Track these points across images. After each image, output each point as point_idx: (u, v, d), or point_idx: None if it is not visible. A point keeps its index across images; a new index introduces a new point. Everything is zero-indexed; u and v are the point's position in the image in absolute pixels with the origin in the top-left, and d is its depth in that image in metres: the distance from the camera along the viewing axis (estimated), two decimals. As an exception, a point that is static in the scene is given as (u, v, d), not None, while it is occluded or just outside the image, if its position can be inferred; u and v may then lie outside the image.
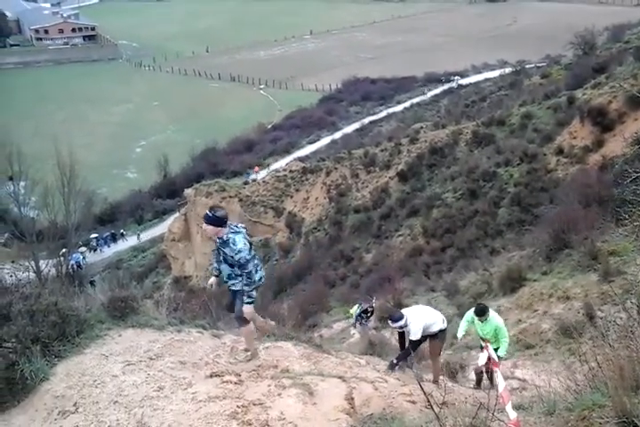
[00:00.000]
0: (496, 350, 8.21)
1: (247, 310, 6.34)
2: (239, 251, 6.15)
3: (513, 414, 4.07)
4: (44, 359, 6.01)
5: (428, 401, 4.27)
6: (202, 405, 5.32)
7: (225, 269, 6.39)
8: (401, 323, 7.41)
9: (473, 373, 8.99)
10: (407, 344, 7.69)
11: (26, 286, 8.64)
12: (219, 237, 6.25)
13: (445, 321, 7.91)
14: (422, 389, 4.28)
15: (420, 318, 7.55)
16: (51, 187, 29.02)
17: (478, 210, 27.42)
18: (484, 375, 8.57)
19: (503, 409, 4.78)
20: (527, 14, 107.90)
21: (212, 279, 6.69)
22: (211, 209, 6.22)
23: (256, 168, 50.86)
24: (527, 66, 64.83)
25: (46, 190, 28.89)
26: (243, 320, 6.47)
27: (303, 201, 38.56)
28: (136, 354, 6.33)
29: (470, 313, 8.54)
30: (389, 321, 7.55)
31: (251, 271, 6.28)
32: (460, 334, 8.83)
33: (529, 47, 78.19)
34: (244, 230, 6.43)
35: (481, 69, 75.79)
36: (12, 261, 20.67)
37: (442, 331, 7.79)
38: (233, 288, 6.50)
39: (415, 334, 7.44)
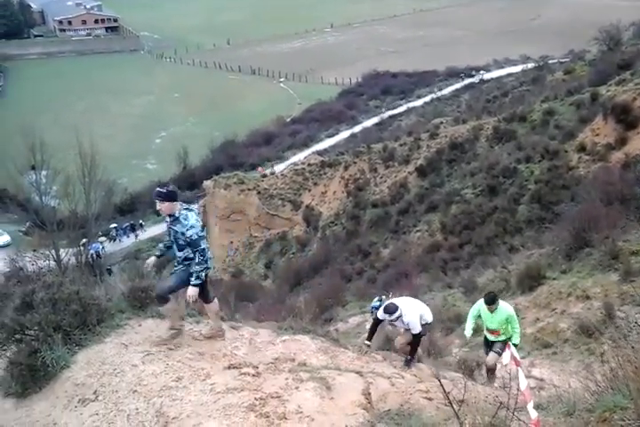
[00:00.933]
0: (506, 341, 8.08)
1: (192, 292, 6.14)
2: (191, 226, 6.04)
3: (534, 414, 4.03)
4: (66, 347, 6.10)
5: (447, 399, 4.25)
6: (220, 396, 5.35)
7: (175, 251, 6.24)
8: (397, 314, 7.23)
9: (485, 370, 8.84)
10: (411, 339, 7.52)
11: (47, 274, 8.78)
12: (170, 215, 6.13)
13: (431, 314, 7.80)
14: (442, 386, 4.26)
15: (415, 310, 7.44)
16: (72, 176, 29.34)
17: (498, 206, 27.19)
18: (488, 373, 8.43)
19: (523, 408, 4.74)
20: (551, 9, 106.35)
21: (151, 259, 6.51)
22: (162, 186, 6.19)
23: (260, 169, 50.71)
24: (550, 61, 64.02)
25: (67, 180, 29.22)
26: (160, 300, 6.32)
27: (321, 195, 38.55)
28: (155, 344, 6.39)
29: (475, 307, 8.31)
30: (385, 314, 7.28)
31: (204, 249, 6.11)
32: (468, 333, 8.48)
33: (552, 42, 77.12)
34: (195, 209, 6.40)
35: (503, 64, 75.05)
36: (34, 250, 20.91)
37: (427, 324, 7.66)
38: (180, 269, 6.31)
39: (416, 328, 7.31)
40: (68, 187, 28.71)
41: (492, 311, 7.99)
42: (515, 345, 8.00)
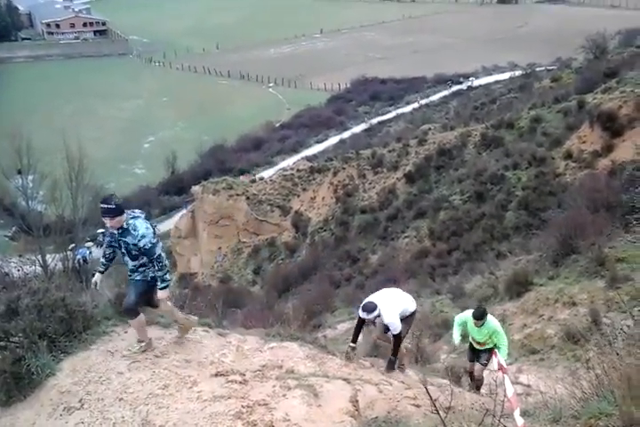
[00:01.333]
0: (491, 349, 8.01)
1: (163, 294, 6.10)
2: (142, 236, 5.82)
3: (520, 421, 4.05)
4: (51, 355, 6.03)
5: (434, 405, 4.25)
6: (207, 404, 5.33)
7: (128, 262, 6.00)
8: (375, 313, 6.89)
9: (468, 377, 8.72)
10: (392, 340, 7.19)
11: (33, 280, 8.69)
12: (119, 228, 5.86)
13: (414, 302, 7.49)
14: (428, 393, 4.27)
15: (395, 307, 7.08)
16: (59, 181, 29.05)
17: (485, 213, 27.38)
18: (472, 381, 8.42)
19: (509, 415, 4.76)
20: (538, 17, 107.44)
21: (97, 276, 6.19)
22: (106, 201, 5.79)
23: (242, 177, 50.52)
24: (537, 69, 64.66)
25: (54, 184, 28.92)
26: (131, 313, 6.09)
27: (310, 200, 38.58)
28: (144, 354, 6.34)
29: (462, 317, 8.21)
30: (362, 312, 6.95)
31: (160, 255, 5.93)
32: (457, 341, 8.39)
33: (539, 50, 77.84)
34: (142, 215, 6.15)
35: (491, 71, 75.62)
36: (20, 255, 20.70)
37: (412, 313, 7.40)
38: (135, 279, 6.11)
39: (397, 328, 6.97)
40: (55, 191, 28.42)
41: (478, 326, 7.91)
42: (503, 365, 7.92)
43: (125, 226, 5.81)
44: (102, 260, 6.23)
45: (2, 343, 6.04)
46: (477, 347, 8.24)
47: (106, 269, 6.24)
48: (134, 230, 5.81)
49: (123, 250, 5.96)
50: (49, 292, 6.75)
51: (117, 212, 5.78)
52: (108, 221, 5.77)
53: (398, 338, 7.10)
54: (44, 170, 30.76)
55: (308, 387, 5.80)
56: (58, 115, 71.49)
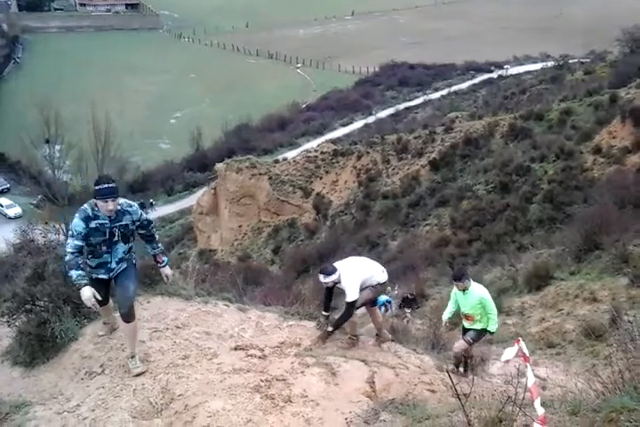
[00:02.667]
0: (483, 330, 7.66)
1: (168, 270, 5.89)
2: (137, 207, 5.51)
3: (541, 411, 4.01)
4: (74, 320, 6.15)
5: (455, 390, 4.24)
6: (226, 376, 5.38)
7: (120, 248, 5.40)
8: (333, 278, 6.38)
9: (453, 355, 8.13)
10: (345, 307, 6.69)
11: (58, 247, 8.81)
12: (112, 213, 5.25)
13: (385, 272, 6.93)
14: (450, 378, 4.26)
15: (356, 273, 6.55)
16: (85, 152, 29.45)
17: (509, 204, 27.09)
18: (463, 359, 8.04)
19: (529, 405, 4.73)
20: (575, 6, 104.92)
21: (88, 292, 5.04)
22: (105, 180, 5.12)
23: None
24: (570, 60, 63.30)
25: (81, 155, 29.34)
26: (130, 315, 5.46)
27: (332, 183, 38.48)
28: (163, 322, 6.41)
29: (453, 290, 7.72)
30: (320, 275, 6.52)
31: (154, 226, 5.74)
32: (445, 316, 7.93)
33: (574, 41, 76.07)
34: None
35: (522, 61, 74.25)
36: (45, 223, 20.99)
37: (381, 284, 6.86)
38: (124, 267, 5.51)
39: (352, 294, 6.40)
40: (81, 162, 28.86)
41: (462, 291, 7.40)
42: (491, 333, 7.75)
43: (119, 207, 5.26)
44: (77, 271, 5.07)
45: (28, 306, 6.16)
46: (466, 324, 7.83)
47: (90, 280, 5.30)
48: (130, 206, 5.38)
49: (116, 237, 5.33)
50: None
51: (118, 191, 5.19)
52: (110, 205, 5.08)
53: (349, 307, 6.52)
54: (72, 140, 31.14)
55: (325, 365, 5.83)
56: (86, 86, 71.87)
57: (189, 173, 54.74)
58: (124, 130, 47.09)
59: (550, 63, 63.88)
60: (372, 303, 7.09)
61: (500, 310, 14.48)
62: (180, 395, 5.09)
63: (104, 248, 5.33)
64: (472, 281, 7.51)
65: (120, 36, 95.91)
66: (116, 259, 5.43)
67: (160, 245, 5.78)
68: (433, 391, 6.26)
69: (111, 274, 5.46)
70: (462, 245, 26.31)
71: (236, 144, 55.10)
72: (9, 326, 6.20)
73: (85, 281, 5.10)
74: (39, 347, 5.83)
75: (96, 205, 5.15)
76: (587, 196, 23.59)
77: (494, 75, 69.82)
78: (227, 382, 5.24)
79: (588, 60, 60.92)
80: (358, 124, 60.93)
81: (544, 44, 76.48)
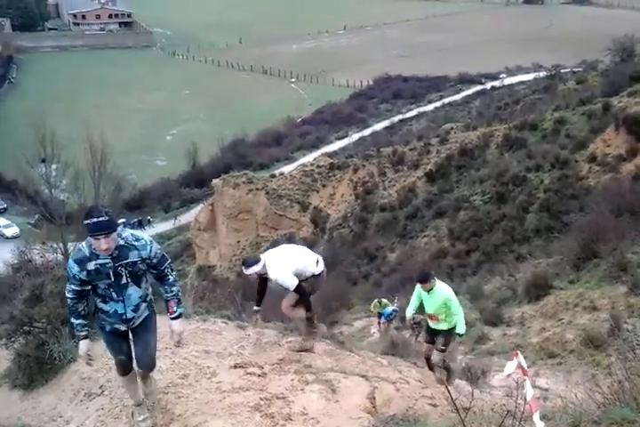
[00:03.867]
0: (451, 330, 7.46)
1: (180, 326, 4.75)
2: (150, 242, 4.50)
3: (540, 424, 4.00)
4: (73, 341, 6.11)
5: (454, 405, 4.23)
6: (226, 395, 5.35)
7: (133, 293, 4.49)
8: (255, 269, 5.96)
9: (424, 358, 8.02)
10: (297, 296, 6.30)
11: (56, 267, 8.80)
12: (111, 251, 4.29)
13: (321, 263, 6.40)
14: (449, 392, 4.25)
15: (284, 263, 6.07)
16: (81, 170, 29.53)
17: (506, 214, 27.16)
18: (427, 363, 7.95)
19: (528, 418, 4.72)
20: (564, 18, 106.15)
21: (86, 344, 4.54)
22: (94, 213, 4.10)
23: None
24: (562, 70, 63.78)
25: (77, 174, 29.41)
26: (150, 372, 4.92)
27: (329, 197, 38.58)
28: (162, 341, 6.37)
29: (417, 287, 7.48)
30: (242, 266, 6.10)
31: (172, 262, 4.74)
32: (409, 313, 7.68)
33: (565, 51, 76.93)
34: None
35: (515, 72, 74.94)
36: (43, 242, 20.99)
37: (315, 276, 6.34)
38: (144, 316, 4.69)
39: (289, 283, 6.01)
40: (78, 181, 28.90)
41: (427, 291, 7.22)
42: (459, 335, 7.56)
43: (123, 242, 4.32)
44: (77, 320, 4.48)
45: (26, 328, 6.15)
46: (431, 324, 7.64)
47: (88, 329, 4.58)
48: (137, 240, 4.39)
49: (124, 279, 4.39)
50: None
51: (113, 225, 4.16)
52: (103, 243, 4.12)
53: (300, 293, 6.14)
54: (68, 159, 31.20)
55: (325, 382, 5.80)
56: (81, 105, 72.27)
57: (186, 189, 54.85)
58: (119, 148, 47.27)
59: (542, 73, 64.41)
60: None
61: (500, 321, 14.50)
62: (179, 415, 5.06)
63: (113, 294, 4.41)
64: (437, 281, 7.33)
65: (114, 55, 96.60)
66: (131, 307, 4.51)
67: (175, 289, 4.63)
68: (434, 405, 6.24)
69: (129, 324, 4.60)
70: (461, 255, 26.33)
71: (233, 160, 55.31)
72: (7, 348, 6.19)
73: (84, 333, 4.49)
74: (38, 369, 5.82)
75: None
76: (583, 204, 23.64)
77: (487, 86, 70.30)
78: (226, 402, 5.22)
79: (579, 69, 61.46)
80: (354, 137, 61.21)
81: (536, 55, 77.28)
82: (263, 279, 6.28)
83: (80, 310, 4.46)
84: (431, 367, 7.84)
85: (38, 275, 8.07)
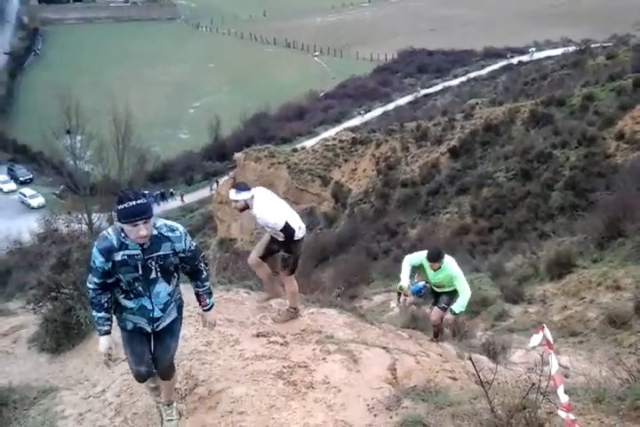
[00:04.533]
0: (455, 291, 7.25)
1: (214, 317, 4.61)
2: (185, 233, 4.09)
3: (564, 398, 3.98)
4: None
5: (478, 376, 4.23)
6: (249, 362, 5.41)
7: (162, 290, 4.07)
8: (246, 195, 5.71)
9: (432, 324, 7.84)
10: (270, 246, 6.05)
11: (81, 236, 8.93)
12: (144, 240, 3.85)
13: (303, 230, 6.12)
14: (473, 364, 4.24)
15: (272, 203, 5.93)
16: (106, 142, 29.80)
17: (530, 192, 26.82)
18: (434, 329, 7.86)
19: (552, 393, 4.71)
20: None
21: (107, 341, 4.17)
22: (130, 197, 3.69)
23: (181, 195, 50.53)
24: (592, 45, 62.10)
25: (101, 145, 29.69)
26: (169, 372, 4.49)
27: (351, 172, 38.39)
28: (186, 309, 6.44)
29: (416, 258, 7.21)
30: (233, 190, 5.75)
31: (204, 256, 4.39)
32: (404, 283, 7.31)
33: (595, 26, 74.68)
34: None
35: (543, 47, 73.01)
36: (69, 212, 21.35)
37: (294, 240, 6.05)
38: (171, 315, 4.29)
39: (276, 221, 5.77)
40: (102, 152, 29.19)
41: (434, 270, 7.09)
42: (453, 313, 7.32)
43: (156, 232, 3.91)
44: (99, 313, 4.07)
45: (53, 294, 6.26)
46: (437, 290, 7.56)
47: (110, 324, 4.17)
48: (172, 231, 3.98)
49: (153, 274, 3.97)
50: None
51: (152, 209, 3.84)
52: (143, 229, 3.72)
53: (284, 233, 5.83)
54: (92, 131, 31.48)
55: (347, 352, 5.83)
56: (106, 77, 72.42)
57: (208, 162, 55.00)
58: (143, 120, 47.40)
59: (571, 48, 62.76)
60: (284, 266, 6.12)
61: (521, 298, 14.44)
62: (203, 381, 5.14)
63: (139, 289, 3.99)
64: (446, 257, 7.07)
65: (138, 27, 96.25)
66: (160, 305, 4.10)
67: (207, 284, 4.37)
68: (454, 379, 6.25)
69: (155, 325, 4.17)
70: (483, 233, 26.15)
71: (255, 133, 55.21)
72: (35, 313, 6.31)
73: (107, 327, 4.09)
74: (65, 334, 5.93)
75: (122, 230, 3.81)
76: (609, 182, 23.25)
77: (514, 60, 68.77)
78: (249, 369, 5.28)
79: (610, 44, 59.71)
80: (377, 111, 60.59)
81: (565, 29, 75.17)
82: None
83: (103, 302, 4.01)
84: (437, 333, 7.74)
85: (64, 244, 8.19)
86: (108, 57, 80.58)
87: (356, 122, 57.47)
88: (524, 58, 68.52)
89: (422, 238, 27.22)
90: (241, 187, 5.78)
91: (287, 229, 5.87)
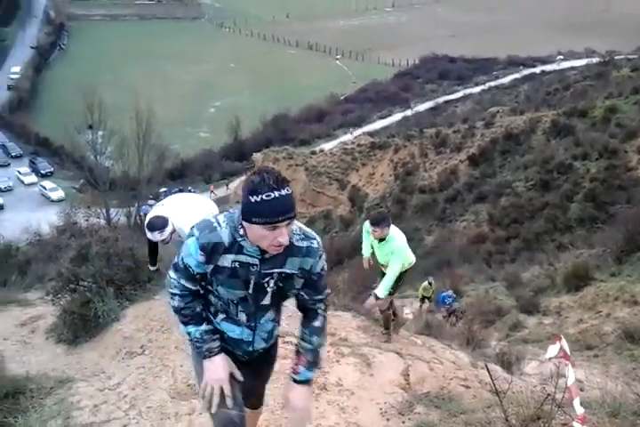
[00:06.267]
0: (403, 273, 6.24)
1: (304, 398, 2.91)
2: (322, 247, 2.75)
3: (580, 410, 3.95)
4: (117, 301, 6.28)
5: (493, 385, 4.20)
6: (263, 362, 5.42)
7: (268, 320, 2.85)
8: (169, 229, 5.29)
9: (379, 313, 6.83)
10: None
11: (102, 229, 9.02)
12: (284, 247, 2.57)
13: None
14: (489, 372, 4.21)
15: (191, 214, 5.28)
16: (127, 138, 30.08)
17: (549, 202, 26.64)
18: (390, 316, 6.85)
19: (567, 404, 4.67)
20: (623, 1, 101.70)
21: (222, 365, 2.80)
22: (276, 184, 2.42)
23: (211, 187, 50.06)
24: (617, 57, 61.54)
25: (122, 141, 29.98)
26: (264, 395, 3.59)
27: (368, 176, 38.40)
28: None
29: (366, 224, 5.98)
30: (150, 233, 5.40)
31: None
32: (366, 253, 6.29)
33: (621, 37, 73.93)
34: None
35: (567, 57, 72.56)
36: (88, 206, 21.58)
37: None
38: (268, 346, 3.04)
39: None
40: (123, 148, 29.46)
41: (376, 239, 5.83)
42: (375, 296, 6.00)
43: (301, 243, 2.66)
44: (198, 327, 2.76)
45: (72, 286, 6.32)
46: (384, 270, 6.35)
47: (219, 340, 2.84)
48: (309, 239, 2.68)
49: (266, 299, 2.73)
50: (118, 241, 7.00)
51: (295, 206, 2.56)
52: (283, 235, 2.47)
53: None
54: (114, 127, 31.80)
55: (360, 356, 5.83)
56: (129, 74, 73.03)
57: (227, 161, 55.22)
58: (164, 118, 47.72)
59: (595, 59, 62.27)
60: None
61: (536, 310, 14.32)
62: (217, 378, 5.15)
63: (241, 315, 2.79)
64: (393, 229, 5.91)
65: (162, 25, 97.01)
66: (263, 334, 2.90)
67: (318, 339, 2.90)
68: (467, 387, 6.21)
69: (251, 356, 2.99)
70: (500, 242, 25.98)
71: (274, 134, 55.38)
72: (53, 304, 6.38)
73: (216, 344, 2.79)
74: (82, 326, 5.98)
75: (242, 226, 2.58)
76: (630, 195, 23.07)
77: (537, 70, 68.34)
78: (264, 368, 5.29)
79: (635, 56, 59.12)
80: (397, 116, 60.53)
81: (589, 40, 74.60)
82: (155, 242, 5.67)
83: (199, 310, 2.77)
84: (387, 323, 6.88)
85: (83, 237, 8.28)
86: (132, 54, 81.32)
87: (376, 126, 57.37)
88: (548, 67, 68.08)
89: (438, 245, 27.13)
90: (157, 225, 5.34)
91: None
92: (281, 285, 2.69)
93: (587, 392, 8.05)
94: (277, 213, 2.42)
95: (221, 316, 2.82)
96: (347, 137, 51.52)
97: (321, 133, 56.82)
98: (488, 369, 4.41)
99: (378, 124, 58.26)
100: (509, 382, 4.69)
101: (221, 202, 47.94)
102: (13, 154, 54.41)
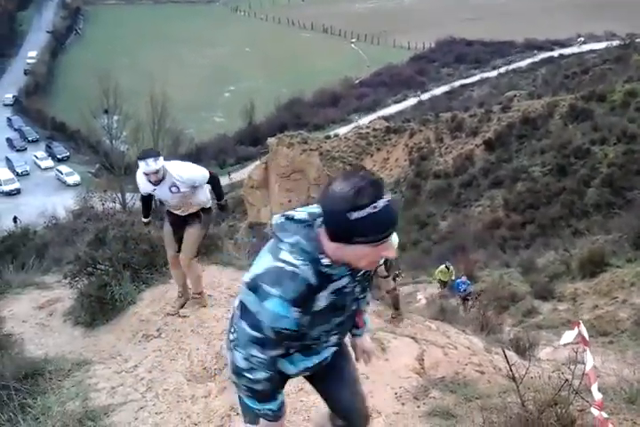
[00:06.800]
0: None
1: (371, 343, 3.10)
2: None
3: (598, 396, 3.93)
4: (133, 284, 6.33)
5: (510, 370, 4.19)
6: (279, 345, 5.43)
7: (361, 302, 2.62)
8: (160, 163, 5.00)
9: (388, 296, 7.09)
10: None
11: (119, 213, 9.07)
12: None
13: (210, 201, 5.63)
14: (506, 357, 4.20)
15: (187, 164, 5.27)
16: (142, 123, 30.15)
17: (566, 187, 26.36)
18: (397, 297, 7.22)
19: (585, 390, 4.65)
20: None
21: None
22: (373, 191, 2.05)
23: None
24: (637, 40, 60.30)
25: (137, 126, 30.04)
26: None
27: (383, 161, 38.19)
28: (217, 290, 6.53)
29: None
30: (145, 161, 4.96)
31: None
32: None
33: (641, 19, 72.37)
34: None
35: (587, 40, 71.26)
36: (104, 191, 21.71)
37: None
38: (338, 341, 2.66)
39: (203, 174, 5.27)
40: (138, 133, 29.54)
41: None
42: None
43: None
44: (274, 400, 2.44)
45: (89, 269, 6.37)
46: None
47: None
48: None
49: (355, 306, 2.50)
50: (134, 225, 7.04)
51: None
52: (388, 249, 2.17)
53: (212, 180, 5.30)
54: (129, 111, 31.87)
55: (375, 340, 5.83)
56: (144, 58, 72.98)
57: (241, 146, 55.21)
58: (179, 102, 47.69)
59: (615, 42, 61.09)
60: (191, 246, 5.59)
61: (551, 296, 14.26)
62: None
63: (332, 338, 2.52)
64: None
65: (177, 9, 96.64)
66: (346, 320, 2.53)
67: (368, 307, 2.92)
68: (482, 373, 6.20)
69: (320, 367, 2.66)
70: (515, 227, 25.82)
71: (288, 119, 55.21)
72: (71, 287, 6.44)
73: (283, 411, 2.51)
74: (99, 309, 6.04)
75: (323, 254, 2.15)
76: (649, 181, 22.76)
77: (555, 53, 67.27)
78: (279, 351, 5.31)
79: (657, 39, 57.93)
80: (412, 100, 60.03)
81: (609, 23, 72.97)
82: (150, 196, 5.55)
83: (279, 386, 2.46)
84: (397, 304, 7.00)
85: (99, 221, 8.33)
86: (147, 38, 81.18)
87: (391, 110, 56.93)
88: (567, 50, 66.93)
89: (453, 231, 27.03)
90: (152, 154, 5.04)
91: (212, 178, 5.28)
92: (366, 284, 2.49)
93: (602, 379, 8.01)
94: (387, 226, 2.02)
95: (297, 354, 2.47)
96: (363, 121, 51.06)
97: (335, 118, 56.55)
98: (505, 354, 4.40)
99: (393, 109, 57.82)
100: (526, 367, 4.67)
101: (235, 186, 48.09)
102: (30, 138, 54.85)
